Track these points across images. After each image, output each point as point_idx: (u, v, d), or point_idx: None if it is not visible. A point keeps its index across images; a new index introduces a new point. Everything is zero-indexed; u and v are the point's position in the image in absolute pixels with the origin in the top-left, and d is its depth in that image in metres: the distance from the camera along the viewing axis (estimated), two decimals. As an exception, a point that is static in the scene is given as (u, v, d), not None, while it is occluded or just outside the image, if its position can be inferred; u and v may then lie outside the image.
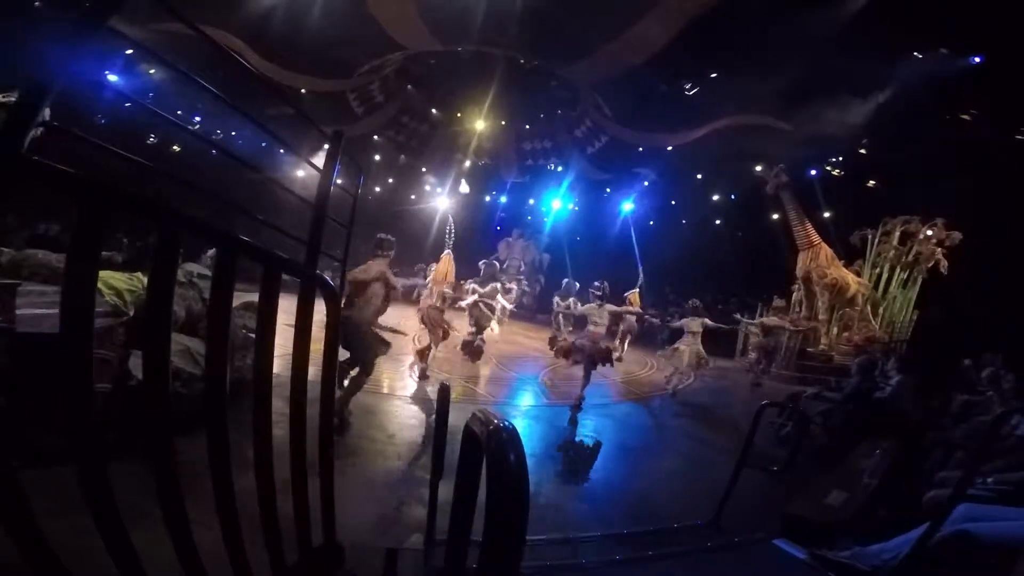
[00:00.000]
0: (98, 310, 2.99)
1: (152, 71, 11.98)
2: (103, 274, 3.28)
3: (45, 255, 3.37)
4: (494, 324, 8.36)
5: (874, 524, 2.82)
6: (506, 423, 1.11)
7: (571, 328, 9.78)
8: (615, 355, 9.64)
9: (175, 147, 14.48)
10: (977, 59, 9.49)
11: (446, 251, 7.41)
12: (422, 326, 6.83)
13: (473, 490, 1.33)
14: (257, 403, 1.40)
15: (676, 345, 8.08)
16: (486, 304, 7.85)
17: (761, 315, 11.69)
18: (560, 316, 10.33)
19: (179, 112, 13.23)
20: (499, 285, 8.42)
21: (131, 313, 3.12)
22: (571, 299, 10.11)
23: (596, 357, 5.96)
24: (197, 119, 14.58)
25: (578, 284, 10.45)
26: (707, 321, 8.04)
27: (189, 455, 1.37)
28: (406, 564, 2.18)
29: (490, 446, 1.03)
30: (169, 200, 1.08)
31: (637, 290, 10.19)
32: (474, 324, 7.80)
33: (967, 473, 2.17)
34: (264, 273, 1.30)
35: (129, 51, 9.06)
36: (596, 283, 6.78)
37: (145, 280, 3.12)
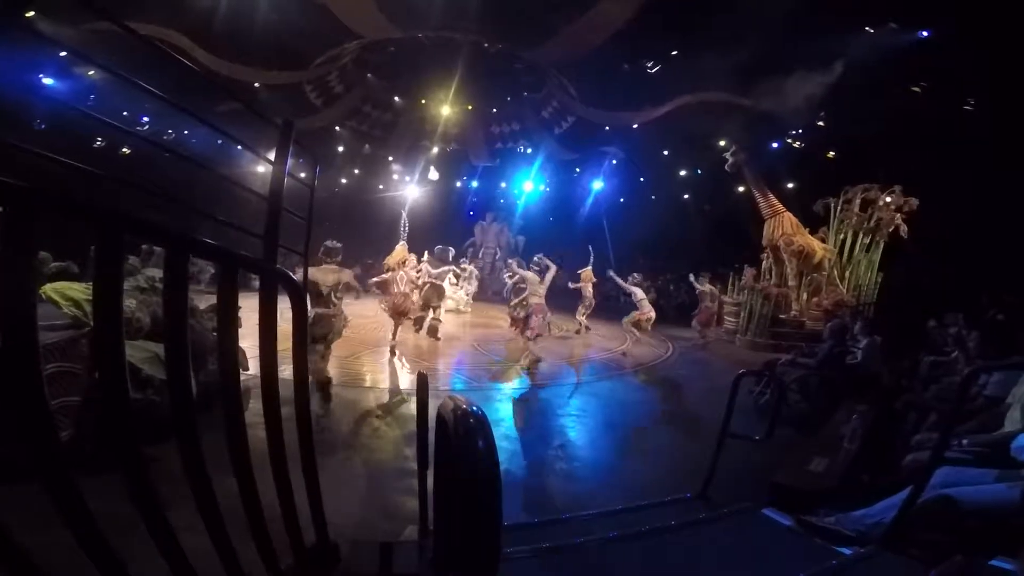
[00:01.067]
0: (57, 322, 2.87)
1: (91, 72, 11.32)
2: (60, 285, 3.14)
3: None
4: (453, 303, 9.15)
5: (857, 489, 2.88)
6: (474, 408, 1.08)
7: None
8: (577, 328, 9.96)
9: (124, 150, 13.77)
10: (925, 32, 9.90)
11: (400, 243, 8.15)
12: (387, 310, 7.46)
13: (453, 470, 1.31)
14: (227, 405, 1.33)
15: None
16: (434, 285, 8.49)
17: (733, 285, 12.06)
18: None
19: (125, 113, 12.60)
20: (453, 269, 9.31)
21: (92, 323, 2.99)
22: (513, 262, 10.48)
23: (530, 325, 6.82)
24: (145, 119, 13.90)
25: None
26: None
27: (174, 462, 1.31)
28: (402, 557, 2.15)
29: (458, 432, 1.01)
30: (118, 203, 1.00)
31: (589, 267, 10.74)
32: (423, 302, 8.34)
33: (942, 436, 2.21)
34: (220, 271, 1.23)
35: (63, 53, 8.55)
36: (536, 257, 7.78)
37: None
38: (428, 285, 8.42)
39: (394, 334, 7.35)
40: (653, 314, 8.98)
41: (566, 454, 4.07)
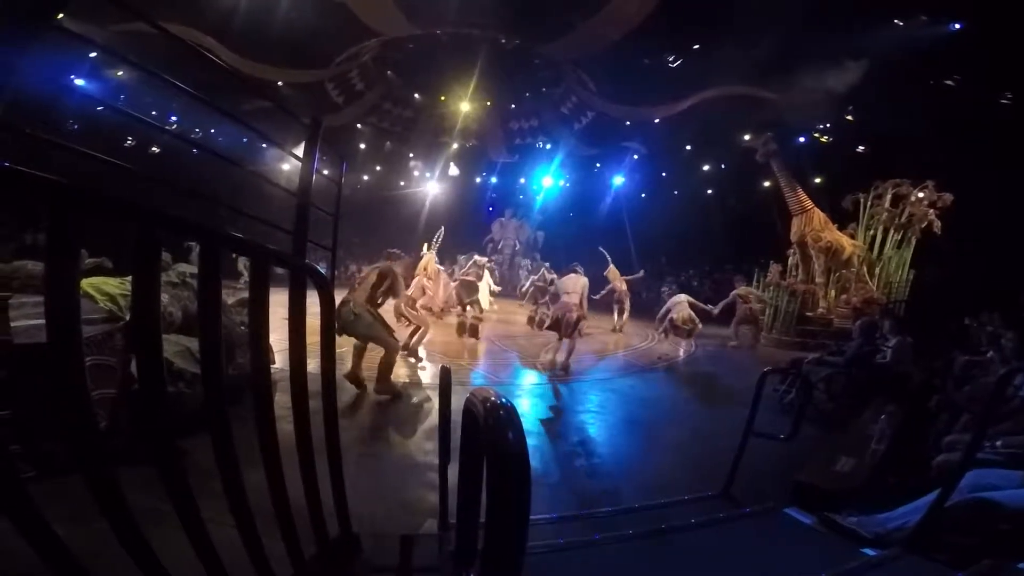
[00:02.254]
0: (94, 316, 2.96)
1: (120, 73, 11.69)
2: (95, 280, 3.25)
3: (35, 265, 3.32)
4: (483, 299, 8.89)
5: (883, 490, 2.81)
6: (503, 400, 1.08)
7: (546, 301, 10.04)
8: (615, 327, 10.02)
9: (154, 148, 14.20)
10: (956, 25, 9.54)
11: (431, 252, 8.14)
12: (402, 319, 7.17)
13: (478, 470, 1.31)
14: (257, 398, 1.37)
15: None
16: (464, 282, 8.45)
17: (758, 281, 11.83)
18: (533, 290, 10.78)
19: (154, 113, 12.99)
20: (476, 259, 9.23)
21: (127, 317, 3.09)
22: (543, 269, 10.77)
23: (565, 326, 6.44)
24: (174, 118, 14.29)
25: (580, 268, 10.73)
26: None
27: (202, 454, 1.35)
28: (421, 549, 2.18)
29: (488, 425, 1.01)
30: (150, 200, 1.03)
31: (611, 266, 10.82)
32: (456, 301, 8.38)
33: (975, 438, 2.14)
34: (251, 265, 1.26)
35: (93, 54, 8.85)
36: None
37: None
38: (458, 282, 8.39)
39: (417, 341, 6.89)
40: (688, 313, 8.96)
41: (586, 450, 4.05)
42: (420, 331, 6.76)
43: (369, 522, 2.53)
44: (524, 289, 11.35)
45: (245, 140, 13.82)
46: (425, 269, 7.79)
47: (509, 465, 0.89)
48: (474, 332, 8.18)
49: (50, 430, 2.32)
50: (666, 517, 2.59)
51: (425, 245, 8.37)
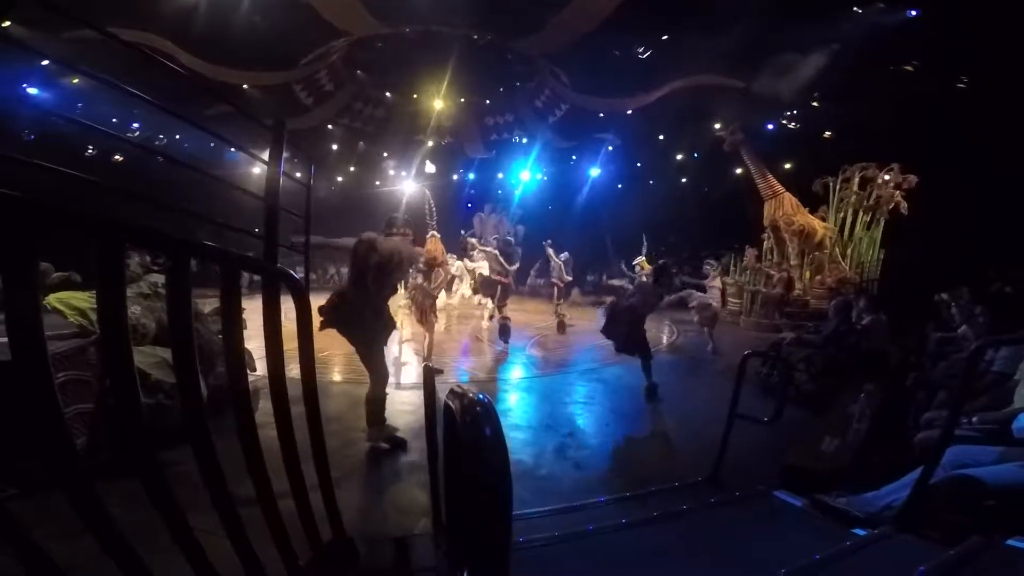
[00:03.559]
0: (64, 332, 2.89)
1: (76, 80, 11.24)
2: (64, 295, 3.16)
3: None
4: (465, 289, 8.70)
5: (869, 469, 2.86)
6: (479, 396, 1.07)
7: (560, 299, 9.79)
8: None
9: (117, 156, 13.71)
10: (913, 12, 9.87)
11: (430, 232, 6.89)
12: (411, 313, 6.61)
13: (461, 459, 1.31)
14: (236, 407, 1.34)
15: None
16: (485, 278, 8.06)
17: (733, 266, 12.07)
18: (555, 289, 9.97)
19: (114, 120, 12.55)
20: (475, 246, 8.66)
21: (99, 331, 3.01)
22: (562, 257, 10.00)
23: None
24: (135, 126, 13.84)
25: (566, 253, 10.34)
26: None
27: (190, 465, 1.32)
28: (417, 550, 2.17)
29: (464, 422, 1.00)
30: (114, 211, 0.99)
31: (644, 257, 9.98)
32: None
33: (952, 414, 2.18)
34: (221, 272, 1.23)
35: (46, 62, 8.48)
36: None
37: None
38: (481, 279, 7.97)
39: (428, 350, 6.19)
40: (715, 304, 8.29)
41: (575, 441, 4.08)
42: (428, 338, 6.12)
43: (363, 525, 2.50)
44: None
45: (212, 144, 13.46)
46: (442, 258, 6.71)
47: (488, 463, 0.89)
48: (506, 334, 7.58)
49: (27, 448, 2.25)
50: (656, 505, 2.62)
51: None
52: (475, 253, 8.62)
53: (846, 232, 11.83)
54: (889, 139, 11.07)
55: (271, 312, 1.39)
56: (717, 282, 8.35)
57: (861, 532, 2.25)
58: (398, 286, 3.95)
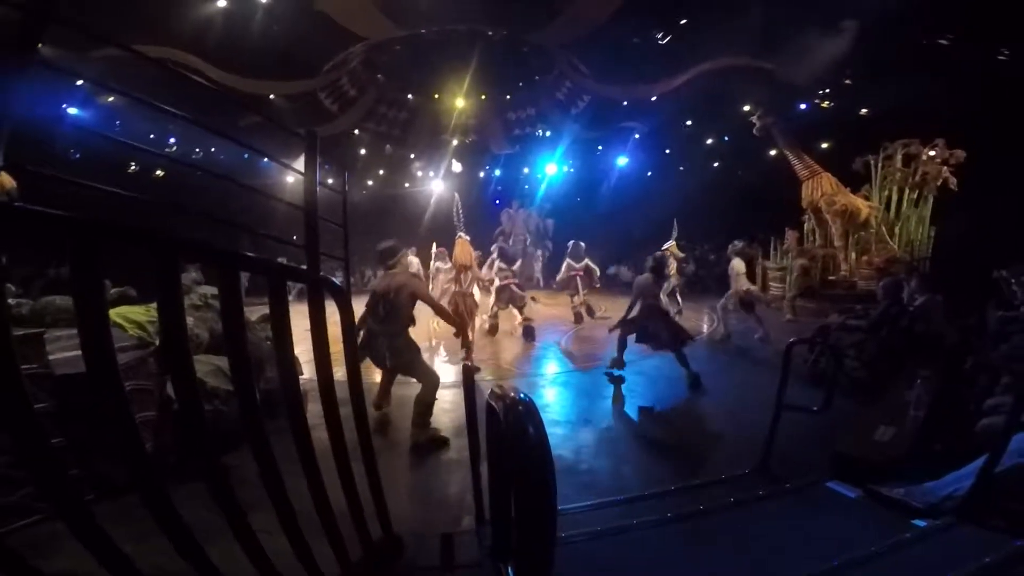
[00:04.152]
0: (125, 344, 3.07)
1: (111, 99, 11.81)
2: (122, 310, 3.35)
3: (63, 300, 3.42)
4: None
5: (928, 458, 2.72)
6: (521, 395, 1.08)
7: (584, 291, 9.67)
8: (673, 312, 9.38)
9: (159, 172, 14.39)
10: None
11: (459, 234, 7.07)
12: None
13: (505, 458, 1.32)
14: (290, 410, 1.39)
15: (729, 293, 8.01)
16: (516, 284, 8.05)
17: (775, 250, 11.66)
18: (577, 280, 9.72)
19: (152, 136, 13.15)
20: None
21: (157, 342, 3.20)
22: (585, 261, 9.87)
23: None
24: (172, 140, 14.45)
25: (583, 244, 10.21)
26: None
27: (247, 468, 1.38)
28: (462, 546, 2.20)
29: (508, 421, 1.00)
30: (162, 225, 1.04)
31: (673, 242, 9.89)
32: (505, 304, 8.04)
33: (1018, 399, 2.06)
34: (269, 283, 1.27)
35: (80, 82, 8.94)
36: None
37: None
38: (496, 290, 7.98)
39: (467, 347, 6.06)
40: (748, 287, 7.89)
41: (616, 435, 4.04)
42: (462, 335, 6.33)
43: (409, 522, 2.56)
44: (560, 277, 10.66)
45: (247, 156, 13.94)
46: (471, 261, 6.90)
47: (533, 459, 0.89)
48: (530, 335, 7.78)
49: (105, 453, 2.41)
50: (703, 498, 2.57)
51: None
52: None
53: (892, 211, 11.28)
54: (930, 114, 10.54)
55: (317, 319, 1.43)
56: (740, 266, 7.88)
57: (921, 523, 2.15)
58: (412, 314, 4.18)
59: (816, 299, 10.11)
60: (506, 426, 1.04)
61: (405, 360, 4.09)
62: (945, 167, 10.52)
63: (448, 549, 2.17)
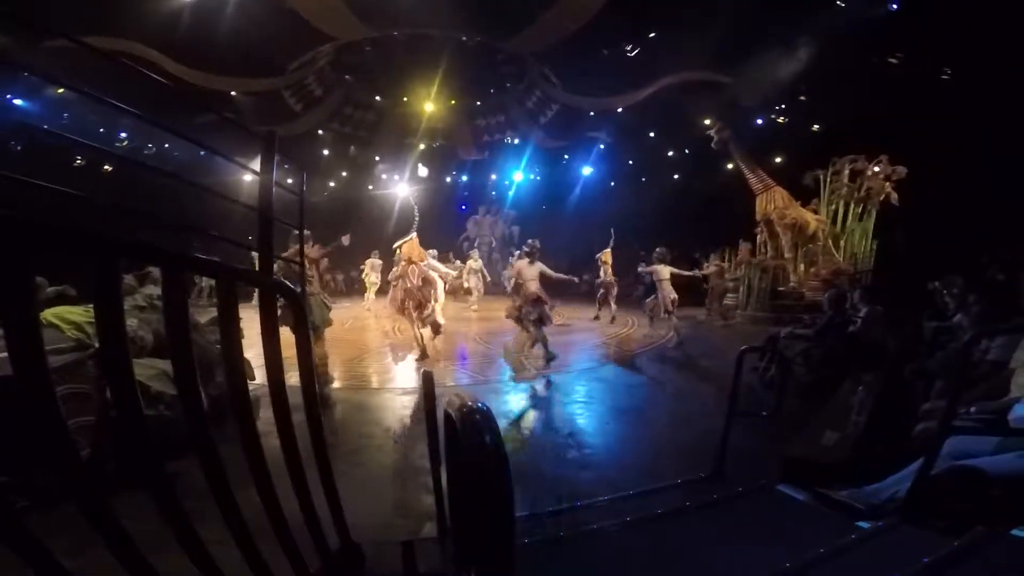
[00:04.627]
0: (61, 346, 2.90)
1: (61, 91, 11.15)
2: (60, 310, 3.15)
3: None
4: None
5: (870, 461, 2.84)
6: (478, 404, 1.08)
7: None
8: (595, 316, 9.99)
9: (106, 167, 13.61)
10: (894, 5, 10.05)
11: (412, 234, 7.43)
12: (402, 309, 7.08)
13: (463, 466, 1.31)
14: (239, 418, 1.34)
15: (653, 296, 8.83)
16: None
17: (728, 260, 12.13)
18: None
19: (102, 130, 12.47)
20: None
21: (96, 345, 3.02)
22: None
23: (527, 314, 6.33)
24: (124, 135, 13.74)
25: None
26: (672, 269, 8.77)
27: (195, 476, 1.32)
28: (424, 554, 2.16)
29: (465, 430, 1.00)
30: (108, 223, 0.99)
31: (609, 249, 10.75)
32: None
33: (949, 405, 2.16)
34: (218, 286, 1.23)
35: (27, 73, 8.40)
36: (529, 240, 7.12)
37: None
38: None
39: (420, 343, 6.92)
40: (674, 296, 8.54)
41: (576, 441, 4.08)
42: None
43: (369, 530, 2.50)
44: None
45: (203, 153, 13.37)
46: (421, 257, 7.35)
47: (488, 469, 0.89)
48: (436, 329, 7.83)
49: (38, 461, 2.25)
50: (659, 503, 2.63)
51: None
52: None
53: (838, 224, 11.91)
54: (876, 131, 11.20)
55: (269, 324, 1.38)
56: (666, 273, 8.57)
57: (865, 525, 2.25)
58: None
59: (765, 309, 10.55)
60: (462, 434, 1.04)
61: None
62: (888, 183, 11.17)
63: (410, 557, 2.13)
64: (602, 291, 10.94)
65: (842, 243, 11.76)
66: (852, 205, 11.71)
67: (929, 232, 10.07)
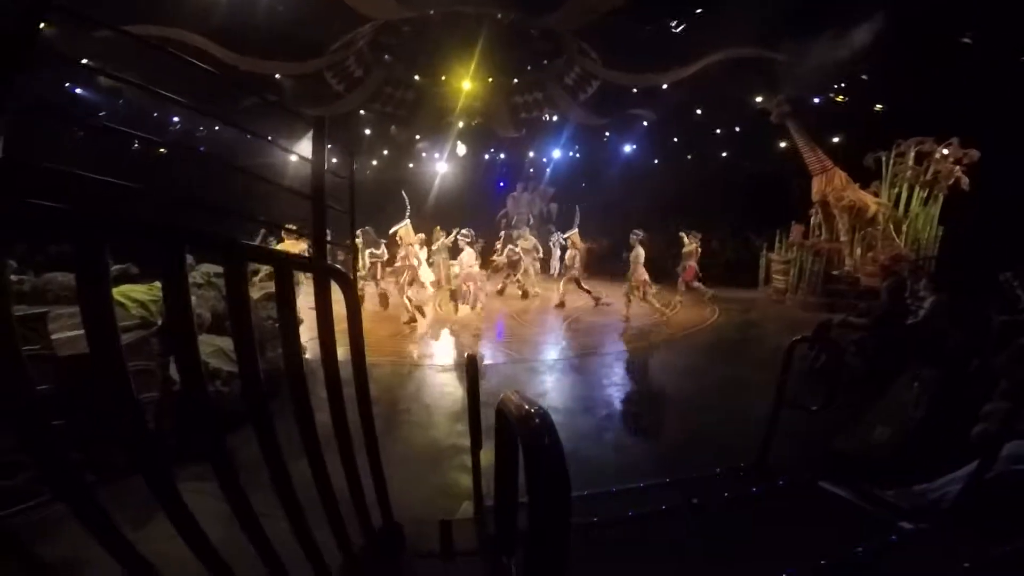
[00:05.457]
0: (127, 323, 3.05)
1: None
2: (124, 288, 3.33)
3: (64, 276, 3.41)
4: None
5: (922, 460, 2.71)
6: (537, 408, 1.08)
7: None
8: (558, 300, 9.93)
9: (161, 150, 14.29)
10: None
11: (407, 221, 8.68)
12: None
13: (513, 464, 1.33)
14: (295, 399, 1.40)
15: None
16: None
17: (780, 242, 11.61)
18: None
19: (155, 114, 13.06)
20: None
21: (159, 322, 3.19)
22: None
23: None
24: (176, 119, 14.33)
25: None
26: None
27: (245, 451, 1.39)
28: (461, 533, 2.23)
29: (524, 433, 1.01)
30: (165, 209, 1.04)
31: (576, 230, 10.45)
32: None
33: (1015, 407, 2.06)
34: (276, 274, 1.27)
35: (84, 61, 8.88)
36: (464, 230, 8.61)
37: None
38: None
39: (409, 309, 7.97)
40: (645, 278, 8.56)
41: (613, 425, 4.07)
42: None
43: (407, 508, 2.60)
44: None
45: (250, 137, 13.79)
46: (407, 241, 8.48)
47: (549, 469, 0.90)
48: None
49: (105, 435, 2.41)
50: (697, 491, 2.59)
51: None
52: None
53: (900, 208, 11.18)
54: (945, 113, 10.39)
55: (323, 307, 1.43)
56: (641, 255, 8.51)
57: (908, 525, 2.16)
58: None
59: (817, 293, 10.08)
60: (523, 440, 1.05)
61: None
62: (958, 167, 10.37)
63: (447, 536, 2.20)
64: (565, 272, 10.54)
65: (904, 228, 11.04)
66: (917, 189, 10.95)
67: (1001, 220, 9.29)
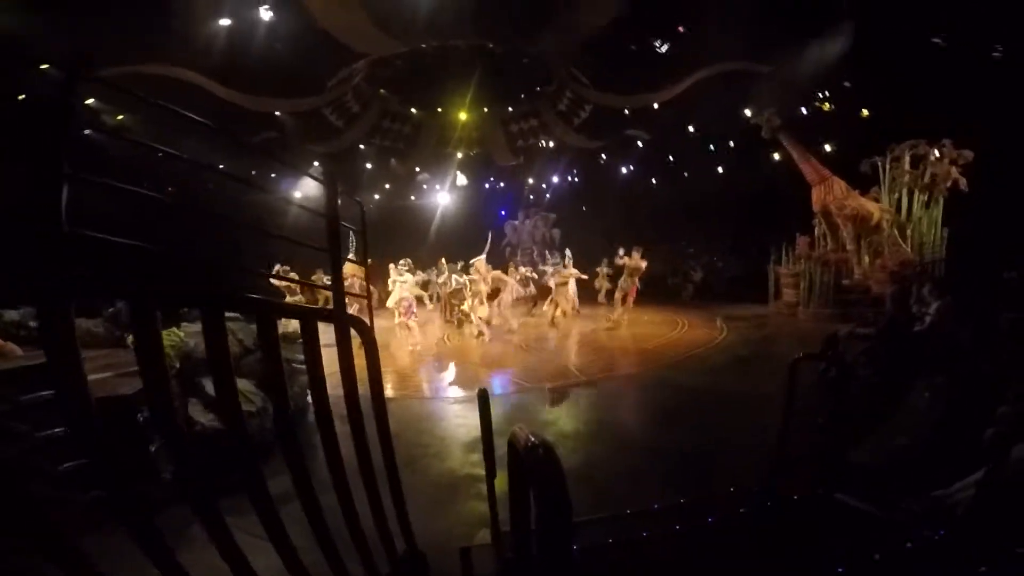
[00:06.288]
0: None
1: (120, 117, 11.81)
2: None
3: (85, 322, 3.56)
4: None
5: (939, 467, 2.68)
6: (542, 441, 1.18)
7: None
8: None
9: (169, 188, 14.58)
10: None
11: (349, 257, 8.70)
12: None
13: (525, 491, 1.43)
14: (323, 436, 1.49)
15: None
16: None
17: (786, 255, 11.64)
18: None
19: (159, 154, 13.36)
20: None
21: (177, 365, 3.34)
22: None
23: None
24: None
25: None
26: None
27: (272, 486, 1.48)
28: (480, 559, 2.29)
29: (530, 464, 1.11)
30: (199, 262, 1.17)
31: (483, 256, 10.07)
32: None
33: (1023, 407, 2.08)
34: (302, 326, 1.39)
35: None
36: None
37: (182, 334, 3.34)
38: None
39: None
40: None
41: (628, 445, 4.09)
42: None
43: (428, 536, 2.66)
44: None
45: (254, 172, 14.11)
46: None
47: (551, 496, 1.01)
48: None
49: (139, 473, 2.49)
50: (712, 510, 2.62)
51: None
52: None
53: (903, 213, 11.18)
54: (933, 115, 10.45)
55: (345, 354, 1.54)
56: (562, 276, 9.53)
57: (925, 532, 2.18)
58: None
59: (828, 304, 10.06)
60: (528, 470, 1.17)
61: None
62: (954, 168, 10.43)
63: (467, 561, 2.26)
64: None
65: (909, 232, 11.02)
66: (917, 192, 10.99)
67: (1003, 218, 9.29)
